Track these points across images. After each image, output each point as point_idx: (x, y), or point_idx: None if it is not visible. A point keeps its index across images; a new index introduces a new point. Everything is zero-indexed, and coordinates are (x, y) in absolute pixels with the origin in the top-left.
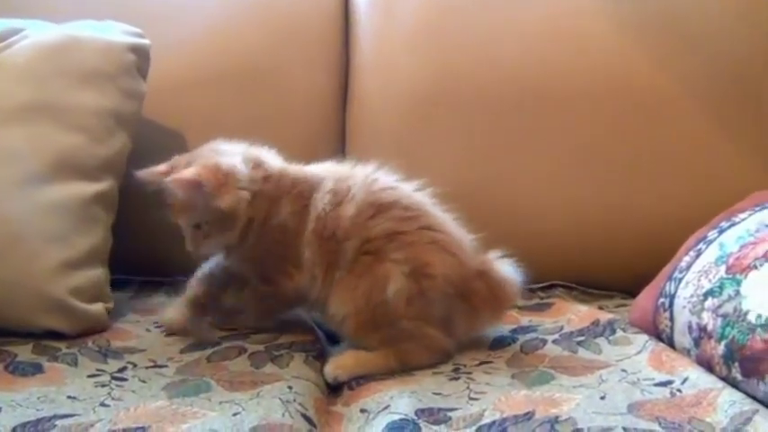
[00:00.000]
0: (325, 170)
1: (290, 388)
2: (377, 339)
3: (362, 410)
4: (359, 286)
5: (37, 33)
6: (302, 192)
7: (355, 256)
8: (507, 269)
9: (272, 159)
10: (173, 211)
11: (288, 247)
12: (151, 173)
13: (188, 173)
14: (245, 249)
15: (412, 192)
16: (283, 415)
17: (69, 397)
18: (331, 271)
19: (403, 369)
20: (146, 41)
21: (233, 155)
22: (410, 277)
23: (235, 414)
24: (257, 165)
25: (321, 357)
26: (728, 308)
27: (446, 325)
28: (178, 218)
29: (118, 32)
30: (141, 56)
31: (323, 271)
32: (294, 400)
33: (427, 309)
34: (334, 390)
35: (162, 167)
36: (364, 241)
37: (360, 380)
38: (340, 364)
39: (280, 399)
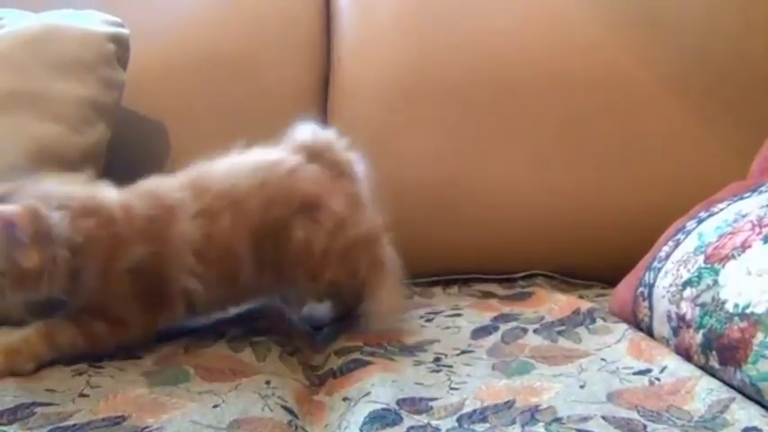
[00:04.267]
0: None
1: (267, 383)
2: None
3: (345, 399)
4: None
5: (15, 22)
6: (158, 229)
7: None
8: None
9: (110, 196)
10: None
11: (150, 290)
12: None
13: (6, 209)
14: (79, 299)
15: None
16: (263, 409)
17: (48, 390)
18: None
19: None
20: (125, 31)
21: (59, 202)
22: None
23: (215, 406)
24: (90, 212)
25: (296, 353)
26: (707, 297)
27: None
28: None
29: (97, 22)
30: (121, 45)
31: (222, 285)
32: (273, 395)
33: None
34: (317, 380)
35: None
36: (256, 230)
37: (343, 369)
38: None
39: (258, 394)
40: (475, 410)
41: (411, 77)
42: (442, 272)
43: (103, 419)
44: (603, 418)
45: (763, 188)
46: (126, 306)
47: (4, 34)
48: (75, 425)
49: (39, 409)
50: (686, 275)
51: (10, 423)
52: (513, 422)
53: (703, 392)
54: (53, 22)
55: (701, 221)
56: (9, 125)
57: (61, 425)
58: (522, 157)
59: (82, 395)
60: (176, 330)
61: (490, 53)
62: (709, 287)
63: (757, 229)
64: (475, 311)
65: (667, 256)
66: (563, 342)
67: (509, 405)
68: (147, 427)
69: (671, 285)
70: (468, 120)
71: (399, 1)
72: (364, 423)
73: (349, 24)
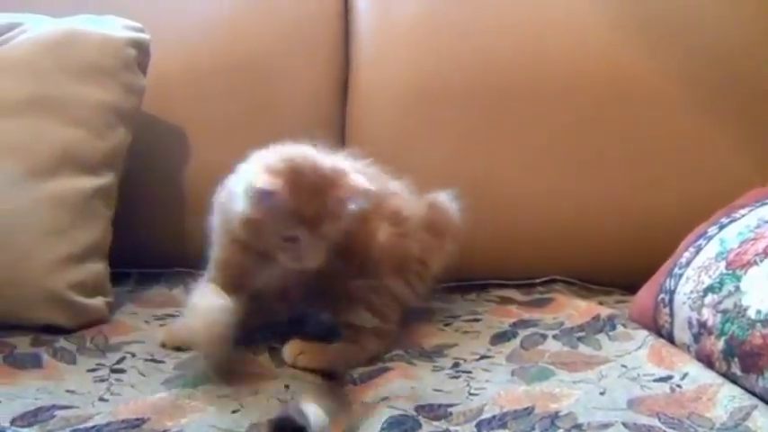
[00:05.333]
0: None
1: (286, 387)
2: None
3: (363, 403)
4: (347, 251)
5: (36, 28)
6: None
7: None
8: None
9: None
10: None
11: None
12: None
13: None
14: None
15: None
16: None
17: (68, 391)
18: None
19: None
20: (146, 36)
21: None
22: (392, 225)
23: (234, 411)
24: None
25: None
26: (728, 304)
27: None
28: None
29: (118, 27)
30: (141, 50)
31: None
32: (292, 398)
33: (408, 250)
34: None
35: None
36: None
37: (363, 376)
38: (304, 349)
39: (277, 398)
40: (494, 416)
41: (428, 82)
42: (459, 277)
43: (123, 421)
44: (624, 424)
45: None
46: None
47: (25, 40)
48: (94, 426)
49: (59, 412)
50: (708, 282)
51: (30, 425)
52: (533, 428)
53: (725, 400)
54: (74, 27)
55: (722, 227)
56: (31, 129)
57: (80, 427)
58: (540, 161)
59: (102, 399)
60: None
61: (507, 57)
62: (730, 293)
63: None
64: (494, 317)
65: (688, 263)
66: (583, 348)
67: (528, 411)
68: (165, 431)
69: (692, 292)
70: (486, 123)
71: (416, 6)
72: (383, 429)
73: (367, 29)
